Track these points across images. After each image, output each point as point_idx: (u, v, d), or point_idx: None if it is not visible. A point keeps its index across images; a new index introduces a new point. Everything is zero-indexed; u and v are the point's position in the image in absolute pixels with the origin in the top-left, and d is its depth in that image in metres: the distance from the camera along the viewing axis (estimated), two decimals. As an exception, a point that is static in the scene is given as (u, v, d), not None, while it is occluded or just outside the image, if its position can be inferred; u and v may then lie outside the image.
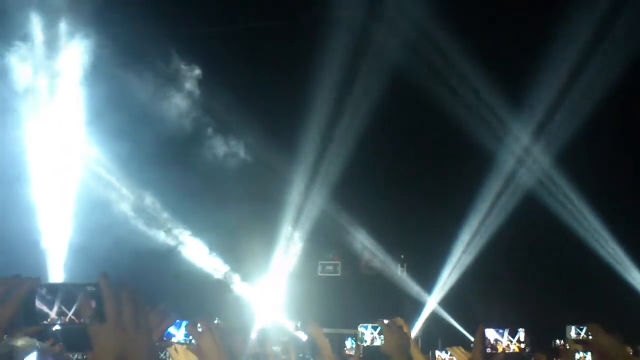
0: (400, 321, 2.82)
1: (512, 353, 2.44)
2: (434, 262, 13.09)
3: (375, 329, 3.39)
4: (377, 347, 3.43)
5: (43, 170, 8.77)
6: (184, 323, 2.32)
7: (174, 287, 10.67)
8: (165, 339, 2.28)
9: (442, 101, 10.60)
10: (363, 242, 13.52)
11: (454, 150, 11.88)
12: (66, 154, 9.06)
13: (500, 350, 2.42)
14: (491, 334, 2.43)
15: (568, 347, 4.29)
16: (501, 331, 2.44)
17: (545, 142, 11.38)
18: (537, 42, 10.44)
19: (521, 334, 2.45)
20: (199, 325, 2.19)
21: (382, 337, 2.85)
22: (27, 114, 8.72)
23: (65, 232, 9.08)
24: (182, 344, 2.46)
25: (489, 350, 2.39)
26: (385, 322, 2.74)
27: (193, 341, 2.27)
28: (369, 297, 13.17)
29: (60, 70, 8.94)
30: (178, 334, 2.31)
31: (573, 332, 3.71)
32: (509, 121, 11.20)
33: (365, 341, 3.39)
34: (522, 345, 2.45)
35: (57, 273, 8.91)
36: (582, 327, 3.66)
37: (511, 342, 2.44)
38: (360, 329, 3.39)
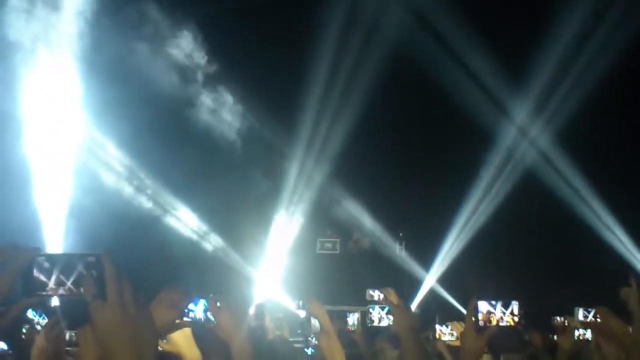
0: (388, 291, 2.79)
1: (506, 326, 2.41)
2: (432, 239, 13.12)
3: (382, 308, 3.38)
4: (379, 327, 3.44)
5: (36, 130, 8.65)
6: (201, 300, 2.35)
7: (172, 263, 10.70)
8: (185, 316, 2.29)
9: (442, 77, 10.52)
10: (361, 219, 13.53)
11: (454, 127, 11.82)
12: (59, 118, 8.92)
13: (493, 322, 2.38)
14: (483, 306, 2.39)
15: (567, 324, 4.26)
16: (493, 303, 2.39)
17: (546, 118, 11.33)
18: (539, 16, 10.33)
19: (514, 306, 2.41)
20: (218, 302, 2.21)
21: (390, 317, 2.83)
22: (19, 69, 8.55)
23: (60, 198, 9.00)
24: (199, 320, 2.47)
25: (481, 323, 2.36)
26: (373, 292, 2.73)
27: (210, 317, 2.29)
28: (368, 274, 13.21)
29: (56, 27, 8.74)
30: (197, 309, 2.34)
31: (580, 314, 3.66)
32: (509, 97, 11.13)
33: (373, 321, 3.38)
34: (516, 318, 2.41)
35: (51, 238, 8.88)
36: (589, 310, 3.61)
37: (504, 314, 2.40)
38: (369, 309, 3.37)
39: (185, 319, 2.30)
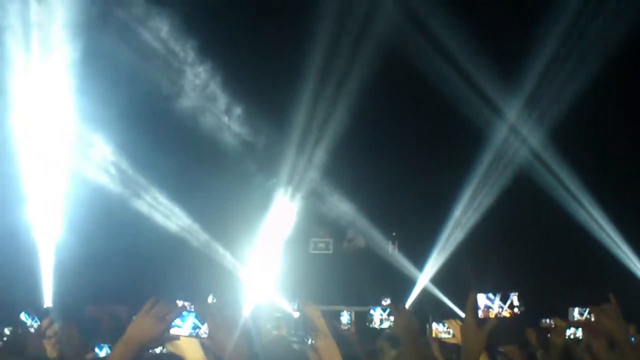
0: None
1: (504, 318, 2.41)
2: (425, 238, 13.11)
3: (384, 310, 3.36)
4: (380, 328, 3.42)
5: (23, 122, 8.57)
6: (191, 314, 2.27)
7: (168, 266, 10.62)
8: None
9: (435, 78, 10.51)
10: (354, 219, 13.50)
11: (446, 125, 11.81)
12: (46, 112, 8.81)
13: (492, 316, 2.38)
14: (481, 300, 2.39)
15: (555, 325, 4.30)
16: (492, 297, 2.39)
17: (539, 115, 11.35)
18: (531, 13, 10.35)
19: (514, 298, 2.42)
20: (214, 318, 2.15)
21: (392, 318, 2.79)
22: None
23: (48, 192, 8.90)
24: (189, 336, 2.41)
25: (481, 316, 2.35)
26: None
27: (201, 334, 2.23)
28: (361, 274, 13.19)
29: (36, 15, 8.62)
30: (184, 326, 2.25)
31: (576, 313, 3.69)
32: (501, 95, 11.14)
33: (374, 322, 3.35)
34: (515, 310, 2.41)
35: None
36: (584, 309, 3.65)
37: (502, 308, 2.40)
38: (370, 310, 3.36)
39: (172, 331, 2.23)
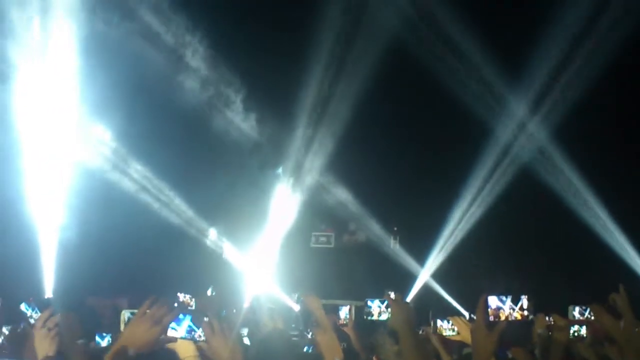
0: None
1: (514, 320, 2.42)
2: (427, 234, 13.10)
3: (382, 302, 3.35)
4: (378, 320, 3.41)
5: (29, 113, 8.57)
6: (187, 318, 2.27)
7: (169, 258, 10.63)
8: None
9: (439, 74, 10.48)
10: (356, 214, 13.50)
11: (450, 121, 11.78)
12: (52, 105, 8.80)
13: (502, 318, 2.38)
14: (493, 301, 2.40)
15: (554, 323, 4.31)
16: (504, 299, 2.40)
17: (544, 113, 11.31)
18: (536, 14, 10.30)
19: (524, 301, 2.43)
20: (210, 324, 2.16)
21: (389, 310, 2.78)
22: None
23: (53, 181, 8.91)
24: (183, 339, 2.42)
25: (491, 319, 2.34)
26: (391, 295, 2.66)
27: (196, 337, 2.23)
28: (362, 268, 13.20)
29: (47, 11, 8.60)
30: (179, 329, 2.26)
31: (576, 312, 3.72)
32: (507, 92, 11.11)
33: (372, 315, 3.35)
34: (525, 312, 2.42)
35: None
36: (585, 307, 3.67)
37: (513, 309, 2.41)
38: (367, 302, 3.36)
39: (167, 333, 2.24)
